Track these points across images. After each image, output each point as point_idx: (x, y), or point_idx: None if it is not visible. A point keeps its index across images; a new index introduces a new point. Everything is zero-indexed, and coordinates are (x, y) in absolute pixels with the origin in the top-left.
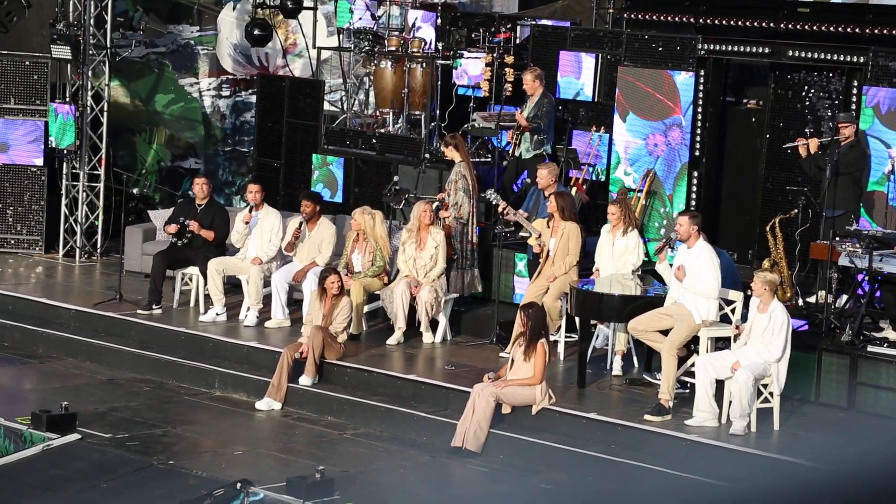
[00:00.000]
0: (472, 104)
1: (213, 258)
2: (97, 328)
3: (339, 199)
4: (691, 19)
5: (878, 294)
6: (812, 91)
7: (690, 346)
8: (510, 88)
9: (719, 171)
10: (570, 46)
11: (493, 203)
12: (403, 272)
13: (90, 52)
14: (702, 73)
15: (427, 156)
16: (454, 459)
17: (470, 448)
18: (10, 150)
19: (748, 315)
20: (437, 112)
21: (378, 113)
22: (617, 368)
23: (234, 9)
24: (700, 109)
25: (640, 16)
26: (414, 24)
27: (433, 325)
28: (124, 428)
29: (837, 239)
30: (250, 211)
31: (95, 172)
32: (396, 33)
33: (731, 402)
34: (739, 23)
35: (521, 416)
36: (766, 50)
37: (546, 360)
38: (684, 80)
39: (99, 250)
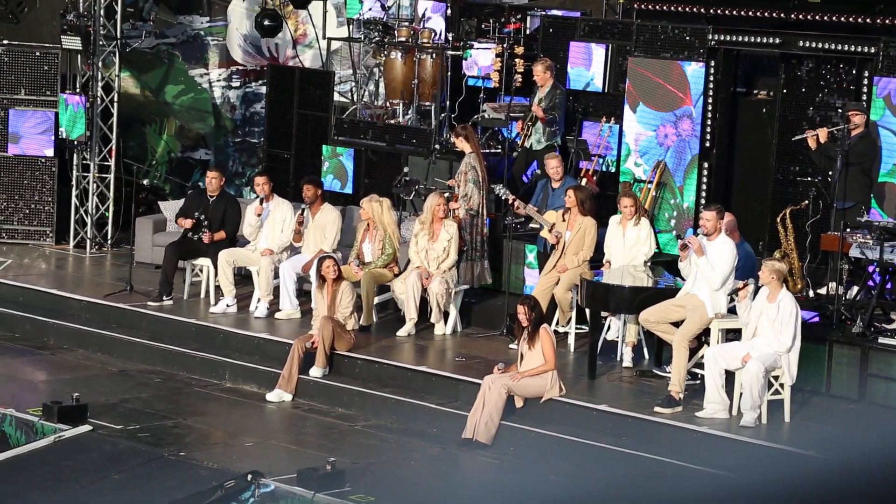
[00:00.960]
0: (482, 95)
1: (223, 249)
2: (108, 319)
3: (349, 190)
4: (701, 9)
5: (888, 286)
6: (822, 81)
7: (701, 338)
8: (520, 79)
9: (730, 163)
10: (581, 37)
11: (503, 198)
12: (415, 263)
13: (100, 42)
14: (712, 63)
15: (437, 147)
16: (465, 451)
17: (480, 440)
18: (21, 141)
19: (756, 306)
20: (447, 103)
21: (388, 104)
22: (627, 360)
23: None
24: (710, 100)
25: (650, 6)
26: (424, 15)
27: (444, 316)
28: (135, 419)
29: (848, 230)
30: (261, 203)
31: (106, 163)
32: (406, 24)
33: (741, 393)
34: (750, 13)
35: (532, 408)
36: (777, 40)
37: (553, 344)
38: (695, 71)
39: (109, 241)
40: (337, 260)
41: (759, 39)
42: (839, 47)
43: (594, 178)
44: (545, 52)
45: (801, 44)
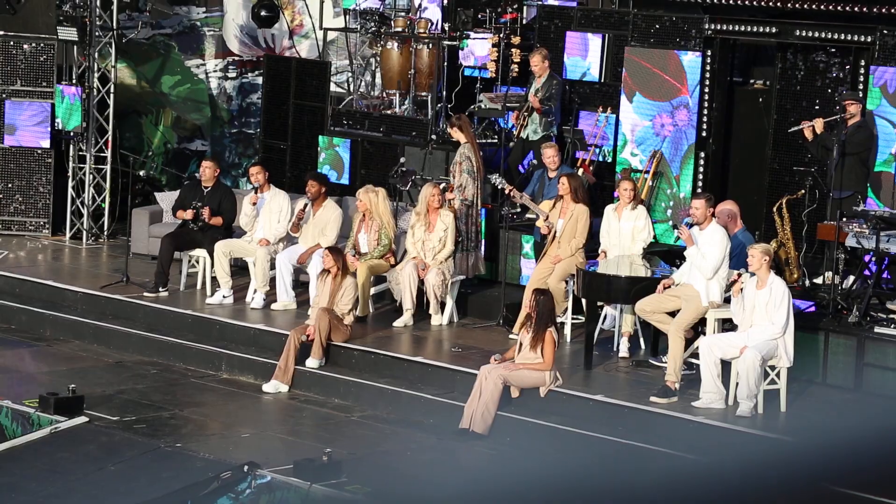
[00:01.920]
0: (478, 85)
1: (220, 240)
2: (104, 311)
3: (345, 180)
4: None
5: (885, 275)
6: (819, 71)
7: (698, 328)
8: (516, 69)
9: (726, 152)
10: (577, 27)
11: (499, 187)
12: (411, 254)
13: (96, 33)
14: (709, 53)
15: (433, 137)
16: (461, 442)
17: (477, 430)
18: (18, 133)
19: (748, 296)
20: (444, 93)
21: (384, 94)
22: (624, 350)
23: None
24: (707, 90)
25: None
26: (420, 5)
27: (440, 306)
28: (132, 410)
29: (844, 220)
30: (256, 192)
31: (102, 154)
32: (403, 14)
33: (737, 383)
34: (746, 2)
35: (528, 399)
36: (774, 30)
37: (555, 347)
38: (691, 61)
39: (106, 233)
40: (340, 250)
41: (755, 29)
42: (836, 36)
43: (591, 167)
44: (542, 41)
45: (797, 33)
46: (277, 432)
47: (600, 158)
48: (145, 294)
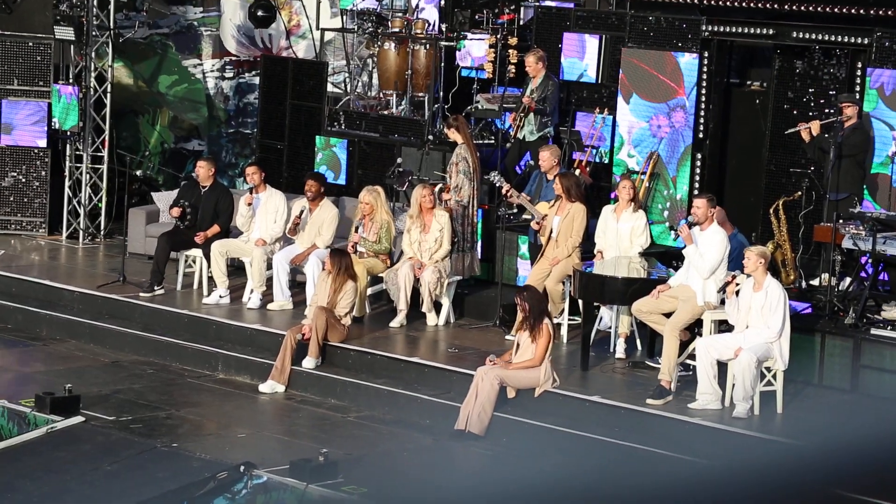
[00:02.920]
0: (475, 86)
1: (216, 240)
2: (100, 310)
3: (342, 181)
4: (695, 0)
5: (882, 276)
6: (816, 73)
7: (694, 330)
8: (513, 70)
9: (723, 154)
10: (574, 28)
11: (497, 185)
12: (407, 254)
13: (93, 33)
14: (706, 54)
15: (430, 137)
16: (457, 442)
17: (473, 431)
18: (14, 132)
19: (744, 298)
20: (441, 94)
21: (381, 95)
22: (620, 351)
23: None
24: (704, 91)
25: None
26: (417, 6)
27: (437, 307)
28: (128, 410)
29: (841, 221)
30: (251, 192)
31: (99, 154)
32: (400, 14)
33: (734, 384)
34: (743, 4)
35: (525, 399)
36: (770, 31)
37: (549, 342)
38: (688, 62)
39: (102, 232)
40: (346, 256)
41: (752, 30)
42: (833, 38)
43: (587, 169)
44: (539, 42)
45: (794, 35)
46: (274, 432)
47: (597, 160)
48: (140, 294)
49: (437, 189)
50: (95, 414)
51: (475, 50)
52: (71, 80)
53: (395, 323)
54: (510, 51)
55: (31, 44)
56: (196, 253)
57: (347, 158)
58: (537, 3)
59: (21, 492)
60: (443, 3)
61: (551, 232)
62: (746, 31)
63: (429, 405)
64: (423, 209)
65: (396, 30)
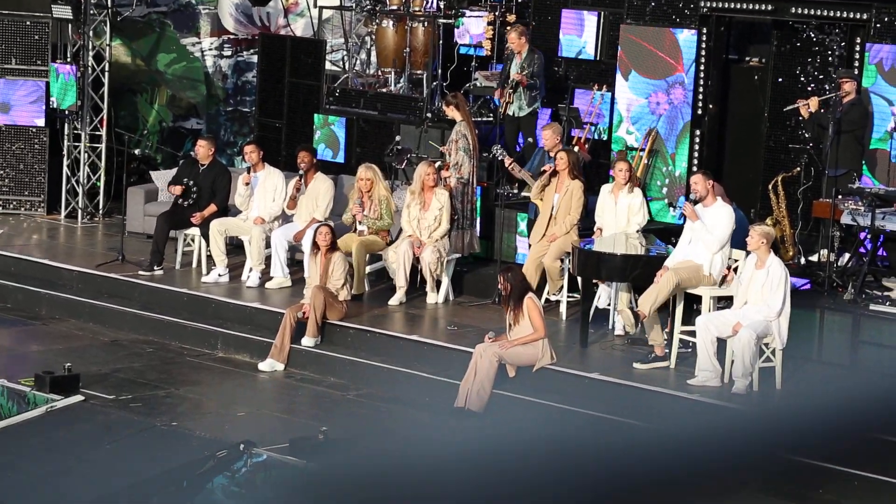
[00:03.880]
0: (473, 63)
1: (215, 219)
2: (100, 289)
3: (340, 159)
4: None
5: (880, 252)
6: (814, 48)
7: (693, 307)
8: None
9: (722, 130)
10: (572, 4)
11: (500, 158)
12: (406, 232)
13: (91, 11)
14: (704, 30)
15: (429, 115)
16: (457, 420)
17: (472, 409)
18: (12, 111)
19: (745, 273)
20: (439, 71)
21: (380, 72)
22: (619, 328)
23: None
24: (702, 67)
25: None
26: None
27: (436, 285)
28: (127, 389)
29: (840, 197)
30: (249, 172)
31: (97, 133)
32: None
33: (733, 361)
34: None
35: (523, 376)
36: (769, 7)
37: (541, 313)
38: (686, 38)
39: (101, 211)
40: (332, 228)
41: (751, 6)
42: (831, 14)
43: (586, 146)
44: (537, 19)
45: (793, 10)
46: (273, 411)
47: (596, 136)
48: (140, 272)
49: (436, 166)
50: (95, 393)
51: (473, 27)
52: (69, 59)
53: (394, 300)
54: (509, 28)
55: (28, 23)
56: (194, 232)
57: (346, 136)
58: None
59: (21, 471)
60: None
61: (552, 209)
62: (745, 6)
63: (428, 383)
64: (424, 186)
65: (394, 7)
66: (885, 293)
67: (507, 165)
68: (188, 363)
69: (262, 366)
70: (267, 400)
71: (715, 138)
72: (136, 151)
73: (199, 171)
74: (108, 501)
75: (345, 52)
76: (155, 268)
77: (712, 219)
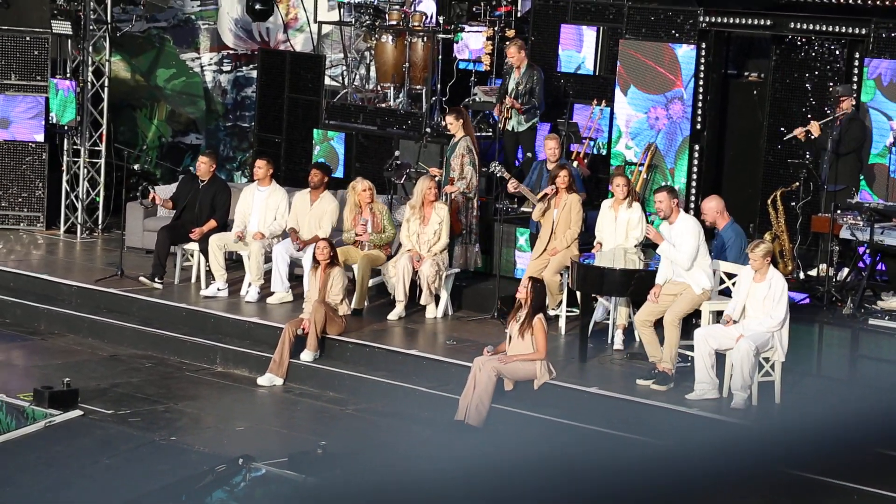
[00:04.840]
0: (473, 78)
1: (214, 234)
2: (99, 304)
3: (339, 174)
4: None
5: (879, 266)
6: (813, 63)
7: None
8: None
9: (721, 145)
10: (572, 19)
11: (498, 175)
12: (406, 246)
13: (91, 27)
14: (703, 45)
15: (428, 130)
16: (456, 434)
17: (471, 423)
18: (11, 127)
19: (743, 287)
20: (438, 86)
21: (379, 87)
22: (618, 343)
23: None
24: (701, 82)
25: None
26: None
27: (435, 299)
28: (126, 404)
29: (839, 212)
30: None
31: (96, 148)
32: (397, 7)
33: (731, 374)
34: None
35: (523, 391)
36: (768, 22)
37: (546, 334)
38: (685, 53)
39: (100, 226)
40: (332, 243)
41: (750, 21)
42: (830, 29)
43: (585, 161)
44: (536, 34)
45: (792, 25)
46: (272, 425)
47: (595, 151)
48: (141, 278)
49: (437, 181)
50: (94, 408)
51: (473, 42)
52: (68, 75)
53: (393, 315)
54: (507, 43)
55: (28, 38)
56: (194, 246)
57: (345, 152)
58: None
59: (19, 486)
60: None
61: (552, 224)
62: (744, 21)
63: (427, 397)
64: (425, 201)
65: (394, 22)
66: (877, 306)
67: (512, 189)
68: (187, 378)
69: (261, 380)
70: (266, 414)
71: (714, 153)
72: (136, 167)
73: (199, 186)
74: None
75: (344, 68)
76: (156, 280)
77: (678, 237)
